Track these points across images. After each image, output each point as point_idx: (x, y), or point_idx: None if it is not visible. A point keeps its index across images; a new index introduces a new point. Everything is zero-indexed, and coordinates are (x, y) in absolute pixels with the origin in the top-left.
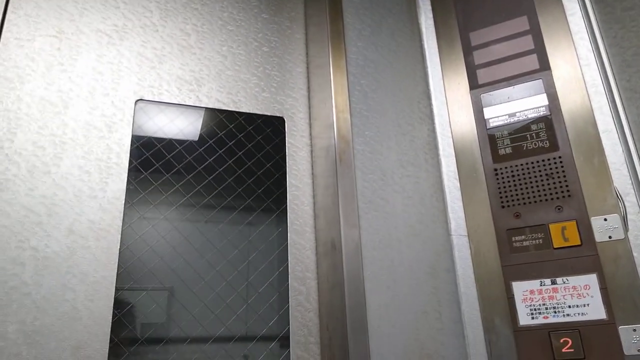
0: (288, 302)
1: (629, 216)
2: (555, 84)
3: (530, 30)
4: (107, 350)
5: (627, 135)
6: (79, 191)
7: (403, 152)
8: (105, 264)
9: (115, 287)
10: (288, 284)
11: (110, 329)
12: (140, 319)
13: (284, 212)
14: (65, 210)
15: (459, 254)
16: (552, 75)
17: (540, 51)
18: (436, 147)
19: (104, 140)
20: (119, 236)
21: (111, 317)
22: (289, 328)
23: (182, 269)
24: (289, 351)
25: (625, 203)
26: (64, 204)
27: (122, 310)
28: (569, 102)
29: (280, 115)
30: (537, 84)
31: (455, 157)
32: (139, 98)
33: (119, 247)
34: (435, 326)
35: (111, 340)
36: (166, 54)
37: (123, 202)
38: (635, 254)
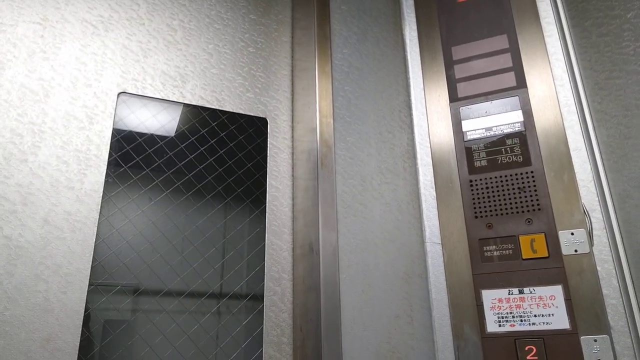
0: (263, 302)
1: (594, 231)
2: (531, 102)
3: (510, 48)
4: (78, 343)
5: (596, 154)
6: (56, 181)
7: (383, 159)
8: (80, 256)
9: (89, 280)
10: (263, 284)
11: (82, 322)
12: (113, 313)
13: (263, 212)
14: (41, 200)
15: (432, 261)
16: (528, 93)
17: (517, 69)
18: (415, 156)
19: (84, 132)
20: (95, 229)
21: (83, 310)
22: (262, 328)
23: (157, 265)
24: (262, 351)
25: (592, 219)
26: (40, 194)
27: (95, 303)
28: (542, 120)
29: (264, 116)
30: (514, 100)
31: (433, 166)
32: (121, 91)
33: (94, 239)
34: (406, 330)
35: (82, 334)
36: (151, 48)
37: (101, 194)
38: (599, 268)
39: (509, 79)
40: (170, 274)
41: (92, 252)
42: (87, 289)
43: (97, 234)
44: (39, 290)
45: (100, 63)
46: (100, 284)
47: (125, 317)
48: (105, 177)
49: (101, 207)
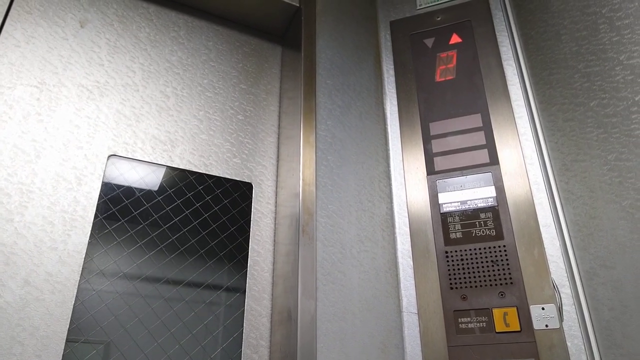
0: None
1: (564, 307)
2: (503, 178)
3: (483, 127)
4: None
5: (564, 232)
6: (40, 242)
7: (362, 227)
8: (58, 318)
9: (65, 343)
10: (241, 351)
11: None
12: None
13: (244, 277)
14: (24, 260)
15: (409, 332)
16: (500, 169)
17: (490, 147)
18: (393, 226)
19: (71, 192)
20: (75, 291)
21: None
22: None
23: (135, 329)
24: None
25: (561, 294)
26: (22, 254)
27: None
28: (514, 196)
29: (249, 181)
30: (487, 176)
31: (410, 236)
32: (112, 153)
33: (73, 302)
34: None
35: None
36: (144, 114)
37: (83, 256)
38: (569, 344)
39: (483, 156)
40: (148, 339)
41: (70, 315)
42: (62, 353)
43: (76, 296)
44: (14, 354)
45: (93, 126)
46: (75, 348)
47: None
48: (89, 238)
49: (83, 268)
